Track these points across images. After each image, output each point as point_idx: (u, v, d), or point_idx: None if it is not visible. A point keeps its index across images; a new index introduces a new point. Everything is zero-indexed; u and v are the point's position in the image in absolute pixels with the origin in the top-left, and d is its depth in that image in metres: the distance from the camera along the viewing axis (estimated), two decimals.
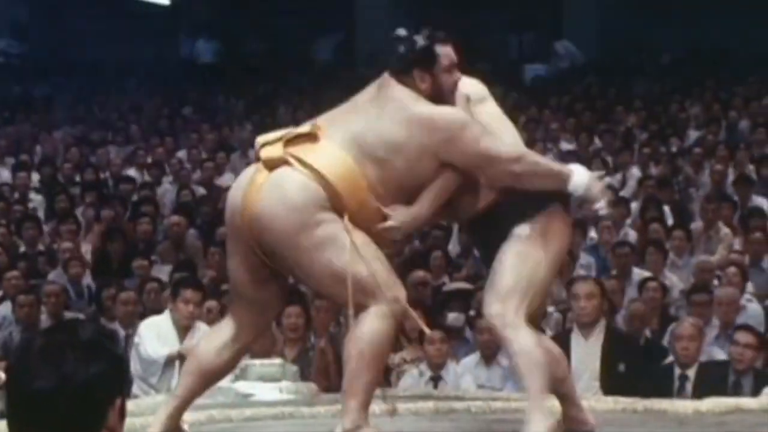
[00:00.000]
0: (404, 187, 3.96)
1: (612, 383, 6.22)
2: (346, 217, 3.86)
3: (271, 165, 3.90)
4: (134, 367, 6.64)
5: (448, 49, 4.07)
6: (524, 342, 3.92)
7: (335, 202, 3.87)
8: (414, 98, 3.97)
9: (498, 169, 3.99)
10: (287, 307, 6.50)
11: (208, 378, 4.12)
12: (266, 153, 3.94)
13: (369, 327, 3.85)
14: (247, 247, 3.93)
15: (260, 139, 4.01)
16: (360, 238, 3.87)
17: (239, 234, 3.94)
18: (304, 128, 3.97)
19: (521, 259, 3.95)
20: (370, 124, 3.95)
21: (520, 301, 3.92)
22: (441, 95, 4.02)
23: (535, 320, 4.16)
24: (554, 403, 4.14)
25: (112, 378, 2.11)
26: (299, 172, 3.87)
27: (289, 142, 3.92)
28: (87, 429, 2.09)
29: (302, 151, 3.90)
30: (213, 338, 4.12)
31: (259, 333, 4.24)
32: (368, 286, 3.85)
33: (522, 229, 3.98)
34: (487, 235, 4.09)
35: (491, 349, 6.71)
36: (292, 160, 3.88)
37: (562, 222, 4.09)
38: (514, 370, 4.07)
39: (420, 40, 4.04)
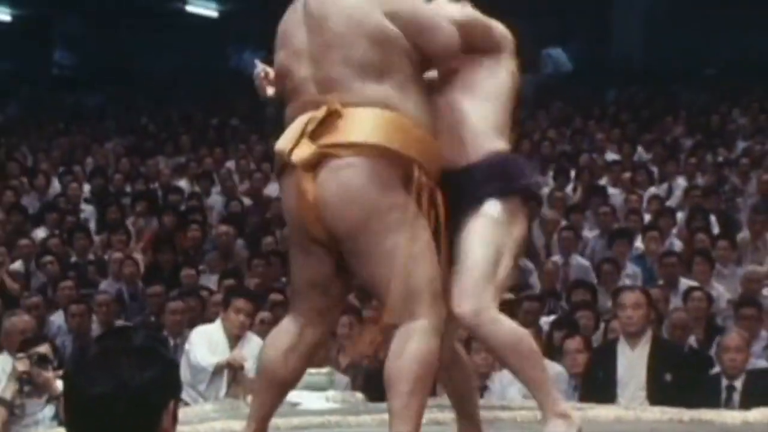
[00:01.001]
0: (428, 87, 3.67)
1: (658, 393, 6.17)
2: (416, 173, 3.53)
3: (310, 165, 3.52)
4: (183, 373, 6.66)
5: None
6: (507, 336, 3.58)
7: (399, 166, 3.52)
8: None
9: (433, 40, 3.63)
10: (341, 316, 6.41)
11: (281, 389, 3.82)
12: (299, 156, 3.53)
13: (421, 345, 3.49)
14: (315, 246, 3.62)
15: (282, 146, 3.58)
16: (426, 235, 3.54)
17: (305, 236, 3.62)
18: (321, 111, 3.54)
19: (489, 248, 3.58)
20: (352, 55, 3.57)
21: (491, 294, 3.57)
22: None
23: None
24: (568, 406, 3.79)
25: (166, 382, 2.18)
26: (347, 161, 3.50)
27: (315, 134, 3.53)
28: (145, 431, 2.14)
29: (336, 135, 3.52)
30: (276, 347, 3.78)
31: (321, 337, 3.85)
32: (424, 293, 3.51)
33: (491, 207, 3.62)
34: (455, 195, 3.68)
35: None
36: (331, 151, 3.51)
37: (525, 216, 3.75)
38: (505, 366, 3.74)
39: None
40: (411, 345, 3.48)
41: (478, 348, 6.65)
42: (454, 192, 3.63)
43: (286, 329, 3.76)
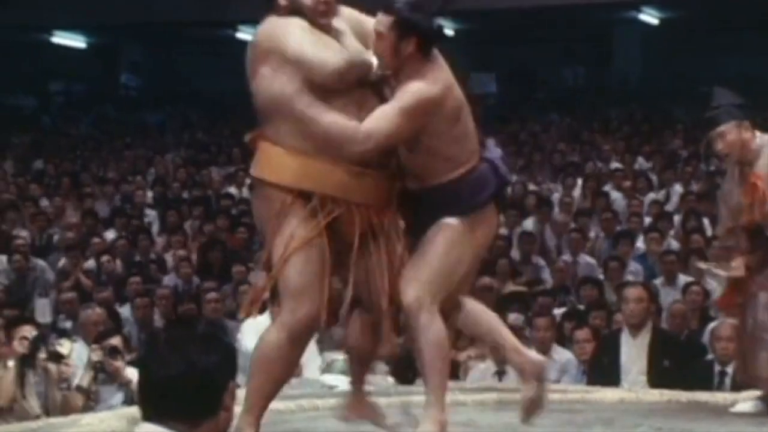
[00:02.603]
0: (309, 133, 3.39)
1: (658, 378, 6.12)
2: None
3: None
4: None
5: None
6: (437, 333, 3.44)
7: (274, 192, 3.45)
8: (261, 28, 3.46)
9: (316, 74, 3.35)
10: None
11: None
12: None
13: (264, 337, 3.57)
14: None
15: None
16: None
17: None
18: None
19: (447, 249, 3.44)
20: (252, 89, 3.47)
21: (438, 290, 3.43)
22: (299, 14, 3.44)
23: (451, 312, 3.59)
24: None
25: (227, 365, 2.21)
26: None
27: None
28: (209, 409, 2.17)
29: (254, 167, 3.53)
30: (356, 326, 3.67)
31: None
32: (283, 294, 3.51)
33: (452, 220, 3.47)
34: (420, 213, 3.54)
35: (546, 345, 6.63)
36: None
37: (490, 222, 3.58)
38: (418, 357, 3.48)
39: None
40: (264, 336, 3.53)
41: None
42: (423, 207, 3.52)
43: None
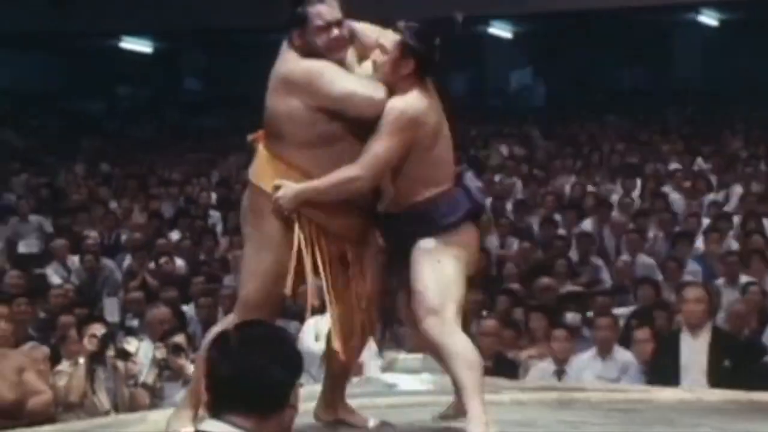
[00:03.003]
0: (336, 159, 3.53)
1: (718, 378, 6.06)
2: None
3: None
4: None
5: (322, 8, 3.57)
6: (461, 345, 3.54)
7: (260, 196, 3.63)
8: (287, 60, 3.59)
9: (357, 108, 3.53)
10: None
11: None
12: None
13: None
14: None
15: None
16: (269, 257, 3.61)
17: None
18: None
19: (438, 272, 3.55)
20: (267, 103, 3.63)
21: (452, 310, 3.55)
22: (316, 53, 3.57)
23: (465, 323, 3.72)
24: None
25: (293, 365, 2.28)
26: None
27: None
28: (276, 406, 2.25)
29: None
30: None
31: None
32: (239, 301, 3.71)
33: (426, 242, 3.57)
34: (396, 233, 3.66)
35: (607, 345, 6.59)
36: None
37: (468, 243, 3.64)
38: (451, 372, 3.58)
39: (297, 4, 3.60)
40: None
41: (557, 336, 6.60)
42: (399, 228, 3.62)
43: None
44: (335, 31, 3.57)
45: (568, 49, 18.04)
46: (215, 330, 3.57)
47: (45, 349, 6.54)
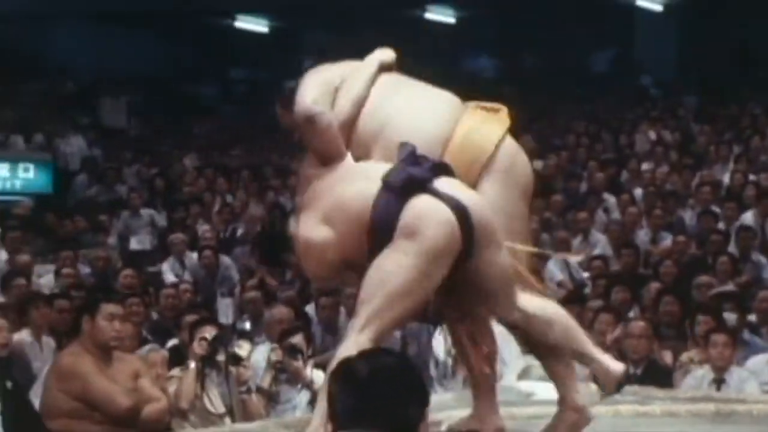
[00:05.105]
0: None
1: None
2: None
3: None
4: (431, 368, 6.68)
5: None
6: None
7: None
8: None
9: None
10: None
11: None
12: None
13: None
14: None
15: None
16: None
17: None
18: None
19: (371, 274, 3.71)
20: None
21: (378, 325, 3.71)
22: None
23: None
24: None
25: (422, 400, 2.40)
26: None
27: None
28: None
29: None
30: None
31: None
32: None
33: (385, 252, 3.68)
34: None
35: None
36: None
37: (434, 219, 3.61)
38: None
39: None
40: None
41: (716, 341, 6.45)
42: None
43: None
44: None
45: (724, 24, 17.62)
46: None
47: (164, 353, 6.65)
